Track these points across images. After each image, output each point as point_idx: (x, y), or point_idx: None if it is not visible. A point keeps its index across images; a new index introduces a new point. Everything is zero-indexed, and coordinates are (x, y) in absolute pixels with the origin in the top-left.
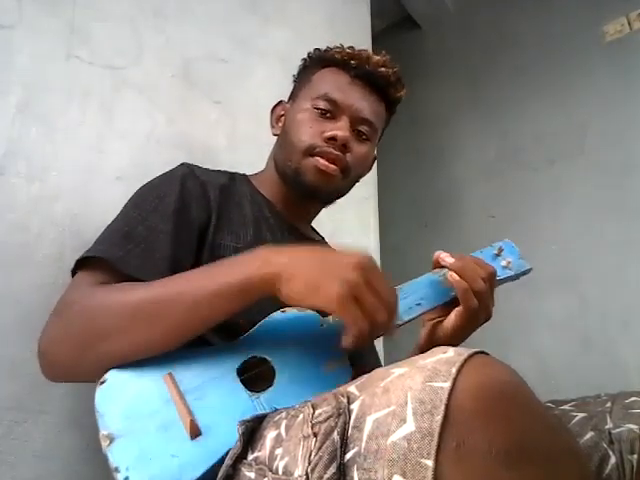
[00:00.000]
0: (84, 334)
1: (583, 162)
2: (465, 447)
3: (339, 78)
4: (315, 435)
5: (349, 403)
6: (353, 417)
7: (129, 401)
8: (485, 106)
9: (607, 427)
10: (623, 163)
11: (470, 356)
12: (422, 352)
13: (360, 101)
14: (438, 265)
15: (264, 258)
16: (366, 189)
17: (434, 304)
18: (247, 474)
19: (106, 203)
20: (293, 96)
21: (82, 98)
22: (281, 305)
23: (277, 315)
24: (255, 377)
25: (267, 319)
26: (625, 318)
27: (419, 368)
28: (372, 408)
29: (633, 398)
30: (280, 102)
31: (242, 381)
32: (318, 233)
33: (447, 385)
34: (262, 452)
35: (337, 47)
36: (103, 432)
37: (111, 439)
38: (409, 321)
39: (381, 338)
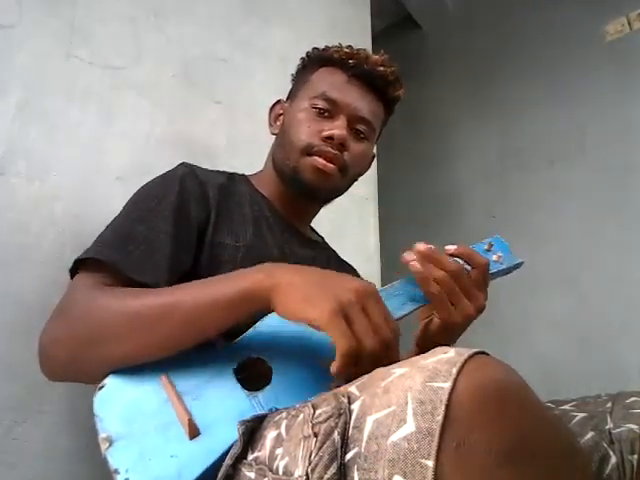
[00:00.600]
0: (84, 336)
1: (583, 162)
2: (465, 447)
3: (337, 77)
4: (315, 435)
5: (349, 403)
6: (353, 417)
7: (127, 404)
8: (485, 106)
9: (607, 427)
10: (623, 163)
11: (470, 356)
12: (419, 350)
13: (358, 100)
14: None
15: (266, 272)
16: (366, 189)
17: (424, 302)
18: (247, 474)
19: (106, 203)
20: (292, 95)
21: (82, 98)
22: None
23: (273, 315)
24: (253, 376)
25: (264, 319)
26: (625, 318)
27: (419, 368)
28: (372, 408)
29: (633, 398)
30: (279, 101)
31: (240, 380)
32: (317, 233)
33: (447, 385)
34: (262, 452)
35: (335, 46)
36: (102, 435)
37: (110, 442)
38: (402, 317)
39: None
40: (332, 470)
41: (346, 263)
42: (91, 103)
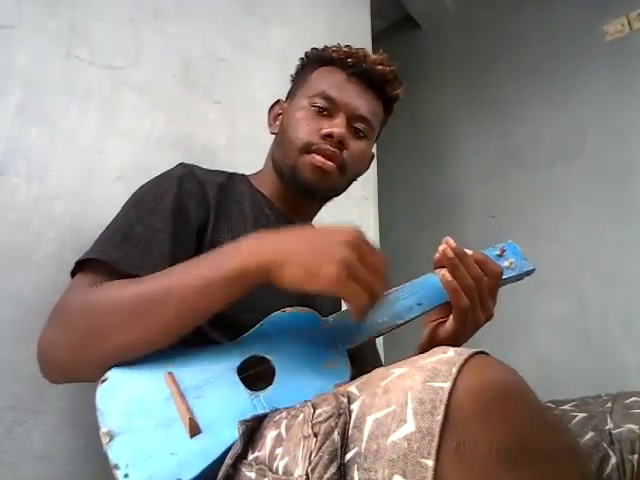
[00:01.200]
0: (83, 334)
1: (583, 163)
2: (465, 447)
3: (336, 76)
4: (315, 435)
5: (349, 403)
6: (353, 417)
7: (129, 399)
8: (485, 106)
9: (607, 427)
10: (623, 164)
11: (470, 356)
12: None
13: (357, 99)
14: (439, 265)
15: (257, 247)
16: (366, 189)
17: (434, 304)
18: (247, 474)
19: (106, 203)
20: (291, 95)
21: (82, 98)
22: (281, 304)
23: (277, 315)
24: (255, 376)
25: (267, 319)
26: (625, 318)
27: (419, 368)
28: (372, 408)
29: (633, 398)
30: (278, 101)
31: (242, 380)
32: None
33: (447, 385)
34: (262, 452)
35: (334, 46)
36: (103, 429)
37: (111, 436)
38: (409, 320)
39: (381, 338)
40: (332, 470)
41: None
42: (91, 103)
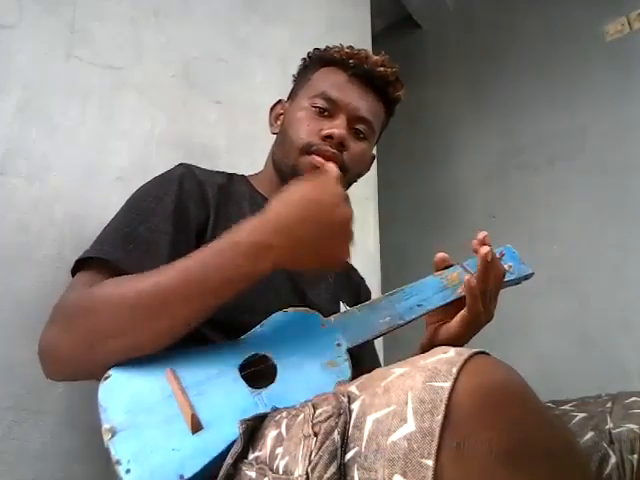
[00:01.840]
0: (85, 333)
1: (583, 162)
2: (465, 447)
3: (337, 77)
4: (316, 435)
5: (350, 403)
6: (354, 417)
7: (131, 395)
8: (485, 106)
9: (607, 427)
10: (623, 163)
11: (471, 356)
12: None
13: (358, 100)
14: (440, 267)
15: (265, 247)
16: (366, 189)
17: (435, 306)
18: (248, 473)
19: (106, 203)
20: (292, 95)
21: (82, 98)
22: (281, 305)
23: (279, 315)
24: (257, 374)
25: (269, 319)
26: (625, 318)
27: (420, 368)
28: (372, 408)
29: (633, 398)
30: (279, 101)
31: (244, 377)
32: None
33: (447, 385)
34: (263, 451)
35: (336, 46)
36: (105, 426)
37: (113, 432)
38: (410, 321)
39: (381, 338)
40: (332, 469)
41: (349, 266)
42: (91, 103)
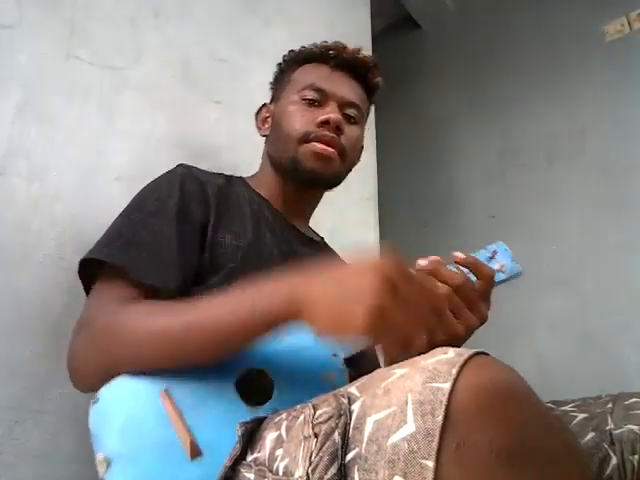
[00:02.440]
0: (110, 354)
1: (583, 162)
2: (466, 447)
3: (320, 70)
4: (316, 436)
5: (350, 404)
6: (354, 418)
7: (124, 421)
8: (485, 106)
9: (608, 428)
10: (623, 163)
11: (470, 357)
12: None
13: (345, 87)
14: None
15: (290, 295)
16: (366, 189)
17: None
18: (246, 475)
19: (106, 203)
20: (275, 98)
21: (82, 98)
22: None
23: None
24: (254, 389)
25: None
26: (625, 318)
27: (420, 369)
28: (373, 409)
29: (634, 399)
30: (264, 105)
31: (241, 394)
32: (317, 234)
33: (447, 386)
34: (262, 453)
35: (310, 45)
36: (99, 457)
37: (108, 463)
38: None
39: None
40: (332, 471)
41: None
42: (91, 103)
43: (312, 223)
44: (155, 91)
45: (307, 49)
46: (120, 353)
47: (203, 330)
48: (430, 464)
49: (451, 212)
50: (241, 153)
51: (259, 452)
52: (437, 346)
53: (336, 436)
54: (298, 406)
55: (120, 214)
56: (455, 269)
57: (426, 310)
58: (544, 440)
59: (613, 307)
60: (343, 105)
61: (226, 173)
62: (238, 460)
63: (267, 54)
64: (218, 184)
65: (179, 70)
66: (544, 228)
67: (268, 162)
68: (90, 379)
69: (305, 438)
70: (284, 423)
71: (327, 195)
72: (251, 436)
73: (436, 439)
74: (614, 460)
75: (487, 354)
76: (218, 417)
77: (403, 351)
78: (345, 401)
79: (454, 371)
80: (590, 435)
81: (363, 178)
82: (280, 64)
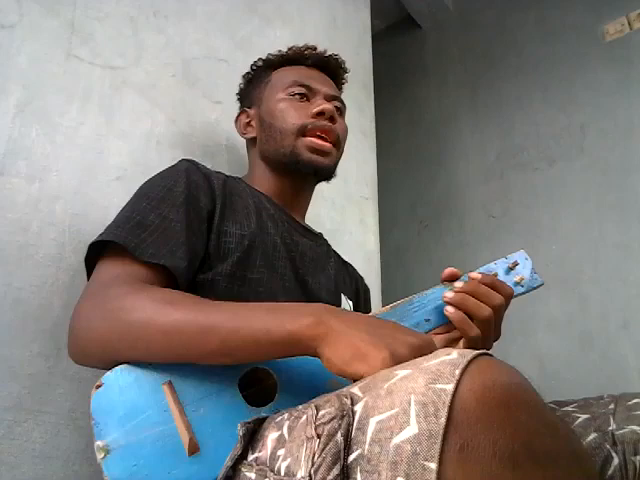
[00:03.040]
0: (118, 337)
1: (583, 162)
2: (469, 449)
3: (299, 70)
4: (319, 436)
5: (352, 404)
6: (356, 418)
7: (126, 409)
8: (485, 106)
9: (610, 428)
10: (623, 163)
11: (473, 358)
12: None
13: (325, 83)
14: (446, 280)
15: (317, 316)
16: (366, 189)
17: (442, 321)
18: (247, 474)
19: (106, 203)
20: (254, 102)
21: (82, 98)
22: (287, 290)
23: None
24: (258, 390)
25: None
26: (625, 318)
27: (422, 370)
28: (375, 410)
29: (636, 400)
30: (243, 111)
31: (243, 394)
32: (314, 230)
33: (450, 387)
34: (263, 452)
35: (279, 51)
36: (98, 443)
37: (106, 451)
38: None
39: None
40: (335, 471)
41: (347, 263)
42: (91, 103)
43: (312, 223)
44: (155, 91)
45: (279, 54)
46: (125, 339)
47: (217, 337)
48: (433, 466)
49: (451, 212)
50: (241, 153)
51: (260, 452)
52: None
53: (339, 437)
54: (300, 406)
55: (127, 203)
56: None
57: None
58: (548, 442)
59: (613, 307)
60: (329, 99)
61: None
62: (239, 459)
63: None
64: (221, 178)
65: (179, 70)
66: (544, 228)
67: (261, 163)
68: (89, 356)
69: (308, 439)
70: (286, 423)
71: (327, 195)
72: (252, 436)
73: (439, 441)
74: (616, 461)
75: (490, 355)
76: (219, 415)
77: None
78: (348, 402)
79: (457, 372)
80: (592, 436)
81: (363, 178)
82: (249, 73)
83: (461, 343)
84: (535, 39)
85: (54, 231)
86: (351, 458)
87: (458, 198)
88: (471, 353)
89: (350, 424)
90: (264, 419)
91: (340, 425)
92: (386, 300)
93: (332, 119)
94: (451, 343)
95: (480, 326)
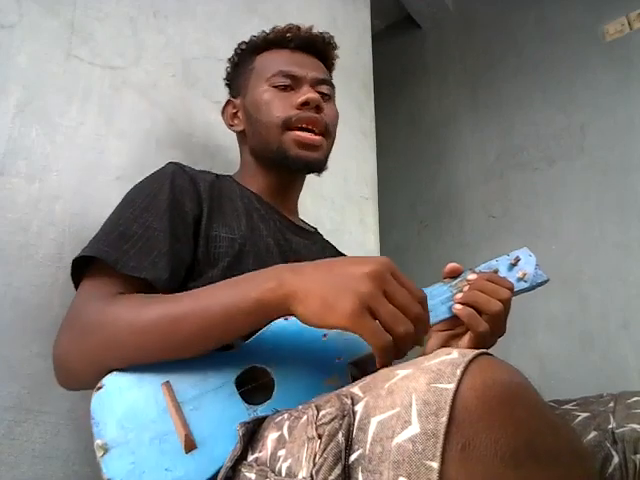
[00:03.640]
0: (99, 349)
1: (583, 162)
2: (470, 448)
3: (282, 54)
4: (320, 437)
5: (353, 404)
6: (357, 418)
7: (125, 410)
8: (485, 106)
9: (610, 427)
10: (623, 163)
11: (474, 357)
12: None
13: (311, 67)
14: (449, 276)
15: (278, 279)
16: (366, 189)
17: (442, 317)
18: (247, 475)
19: (106, 203)
20: (239, 91)
21: (82, 98)
22: None
23: (280, 323)
24: (255, 387)
25: (269, 327)
26: (625, 318)
27: (423, 369)
28: (376, 410)
29: (635, 398)
30: (229, 101)
31: (241, 392)
32: (309, 224)
33: (452, 386)
34: (263, 453)
35: (263, 32)
36: (97, 441)
37: (105, 449)
38: None
39: None
40: (336, 472)
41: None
42: (91, 103)
43: (312, 223)
44: (155, 91)
45: (261, 37)
46: (107, 350)
47: (190, 322)
48: (435, 465)
49: (451, 212)
50: None
51: (260, 452)
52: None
53: (340, 437)
54: (300, 406)
55: (112, 213)
56: (470, 274)
57: (414, 310)
58: (549, 441)
59: (613, 307)
60: (315, 84)
61: (216, 172)
62: (239, 460)
63: None
64: (208, 180)
65: (179, 70)
66: (544, 228)
67: (251, 157)
68: (77, 377)
69: (309, 439)
70: (286, 423)
71: (327, 195)
72: (252, 436)
73: (441, 440)
74: (616, 459)
75: (490, 354)
76: (216, 413)
77: (391, 344)
78: (348, 402)
79: (458, 372)
80: (592, 434)
81: (363, 178)
82: (233, 57)
83: (465, 339)
84: (535, 39)
85: (54, 231)
86: (352, 458)
87: (458, 198)
88: (472, 352)
89: (351, 424)
90: (263, 419)
91: (341, 425)
92: None
93: (318, 108)
94: (453, 339)
95: (490, 321)
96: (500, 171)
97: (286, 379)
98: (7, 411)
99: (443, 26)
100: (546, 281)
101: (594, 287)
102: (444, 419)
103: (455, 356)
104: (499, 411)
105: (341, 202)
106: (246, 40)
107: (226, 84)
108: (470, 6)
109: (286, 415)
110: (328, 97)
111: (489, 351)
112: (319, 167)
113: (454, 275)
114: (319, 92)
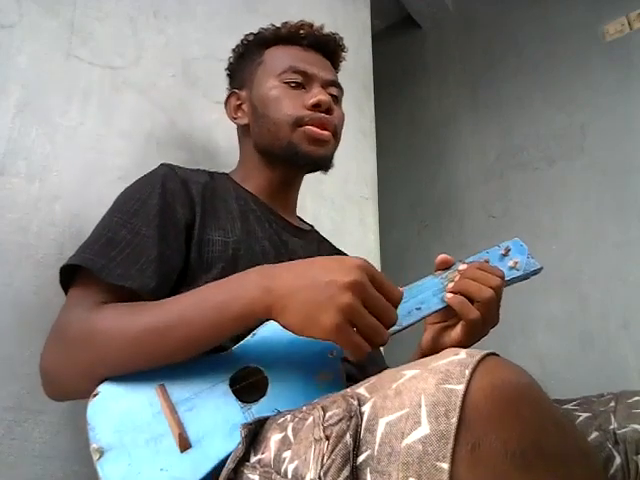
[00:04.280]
0: (86, 361)
1: (583, 162)
2: (481, 449)
3: (294, 51)
4: (327, 438)
5: (360, 405)
6: (365, 419)
7: (120, 414)
8: (485, 106)
9: (612, 427)
10: (623, 163)
11: (482, 357)
12: (425, 356)
13: (322, 66)
14: (441, 267)
15: (260, 288)
16: (366, 189)
17: (434, 309)
18: (250, 476)
19: (106, 203)
20: (245, 84)
21: (82, 98)
22: None
23: (270, 324)
24: (248, 387)
25: (262, 327)
26: (625, 318)
27: (431, 370)
28: (384, 410)
29: (636, 397)
30: (233, 92)
31: (234, 392)
32: (306, 222)
33: (461, 387)
34: (266, 454)
35: (273, 26)
36: (93, 445)
37: (101, 453)
38: (408, 326)
39: None
40: (345, 473)
41: (340, 252)
42: (91, 103)
43: (312, 223)
44: (155, 91)
45: (271, 30)
46: (95, 362)
47: (177, 332)
48: (445, 466)
49: (451, 212)
50: None
51: (263, 453)
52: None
53: (348, 438)
54: (304, 407)
55: (102, 217)
56: (460, 265)
57: (391, 318)
58: (557, 442)
59: (613, 307)
60: (326, 85)
61: (209, 170)
62: (241, 461)
63: None
64: (202, 181)
65: (179, 70)
66: (544, 228)
67: (255, 153)
68: (67, 389)
69: (316, 440)
70: (290, 425)
71: (327, 195)
72: (254, 437)
73: (451, 441)
74: (618, 460)
75: (497, 355)
76: (210, 413)
77: (368, 350)
78: (355, 402)
79: (467, 372)
80: (594, 435)
81: (363, 178)
82: (239, 47)
83: (458, 329)
84: (535, 39)
85: (54, 231)
86: (360, 459)
87: (458, 198)
88: (479, 353)
89: (359, 425)
90: (265, 420)
91: (349, 426)
92: None
93: (329, 110)
94: (445, 331)
95: (481, 308)
96: (500, 171)
97: (279, 376)
98: (7, 411)
99: (443, 26)
100: (540, 269)
101: (594, 287)
102: (454, 420)
103: (463, 357)
104: (508, 411)
105: (341, 202)
106: (254, 32)
107: (227, 74)
108: (470, 6)
109: (289, 416)
110: (337, 100)
111: (496, 352)
112: (326, 164)
113: (445, 267)
114: (329, 94)
